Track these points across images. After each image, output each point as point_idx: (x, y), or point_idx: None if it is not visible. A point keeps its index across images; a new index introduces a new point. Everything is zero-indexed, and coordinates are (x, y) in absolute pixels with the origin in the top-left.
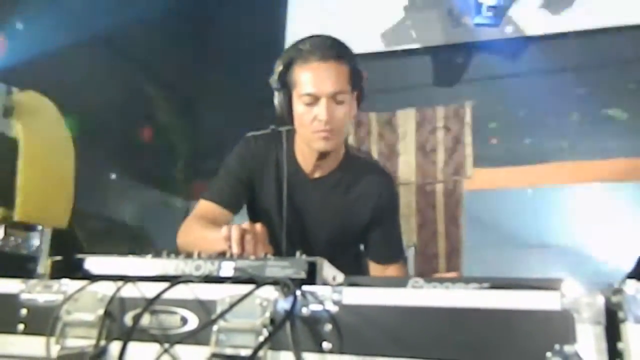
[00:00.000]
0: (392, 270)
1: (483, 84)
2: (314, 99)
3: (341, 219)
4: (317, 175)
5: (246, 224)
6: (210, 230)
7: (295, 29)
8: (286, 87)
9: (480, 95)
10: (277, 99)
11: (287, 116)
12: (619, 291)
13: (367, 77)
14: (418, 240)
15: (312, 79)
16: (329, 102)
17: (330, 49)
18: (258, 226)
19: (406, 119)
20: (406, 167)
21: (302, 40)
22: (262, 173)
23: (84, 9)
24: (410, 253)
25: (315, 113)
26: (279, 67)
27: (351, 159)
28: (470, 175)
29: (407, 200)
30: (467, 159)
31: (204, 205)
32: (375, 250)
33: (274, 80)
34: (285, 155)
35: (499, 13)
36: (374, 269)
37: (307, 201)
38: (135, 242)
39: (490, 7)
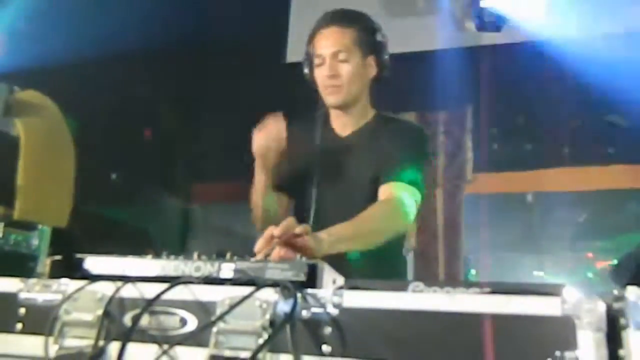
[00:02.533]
0: (385, 190)
1: (484, 88)
2: (322, 60)
3: (370, 166)
4: (348, 132)
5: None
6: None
7: (297, 33)
8: (309, 58)
9: (481, 100)
10: (306, 70)
11: (312, 84)
12: (620, 298)
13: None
14: (418, 244)
15: (318, 42)
16: (331, 60)
17: (335, 15)
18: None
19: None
20: None
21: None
22: (300, 145)
23: (86, 10)
24: (409, 257)
25: (322, 72)
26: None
27: (382, 117)
28: (470, 179)
29: None
30: (467, 163)
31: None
32: (382, 173)
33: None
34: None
35: (501, 17)
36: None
37: (340, 155)
38: (134, 242)
39: (492, 12)
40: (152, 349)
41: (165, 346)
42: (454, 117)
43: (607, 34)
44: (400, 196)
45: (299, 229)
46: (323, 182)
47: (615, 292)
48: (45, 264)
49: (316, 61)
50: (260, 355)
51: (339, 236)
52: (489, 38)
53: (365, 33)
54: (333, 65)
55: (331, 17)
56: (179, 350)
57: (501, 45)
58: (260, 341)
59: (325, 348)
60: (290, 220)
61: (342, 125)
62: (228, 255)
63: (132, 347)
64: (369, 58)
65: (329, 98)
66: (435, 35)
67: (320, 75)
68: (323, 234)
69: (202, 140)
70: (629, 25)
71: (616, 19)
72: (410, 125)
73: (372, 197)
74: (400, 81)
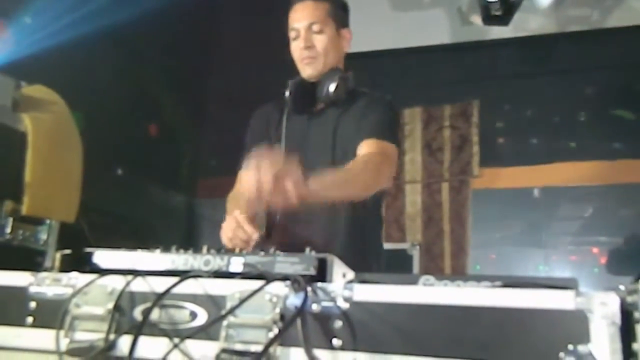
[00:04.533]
0: (364, 146)
1: (490, 83)
2: (297, 33)
3: (340, 135)
4: (320, 107)
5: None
6: (231, 206)
7: None
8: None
9: (487, 94)
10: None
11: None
12: (634, 291)
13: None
14: (424, 239)
15: (292, 17)
16: (306, 31)
17: None
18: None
19: (412, 117)
20: (412, 166)
21: None
22: (270, 128)
23: (92, 4)
24: (415, 252)
25: (298, 44)
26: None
27: (354, 92)
28: (476, 174)
29: (412, 199)
30: (473, 157)
31: (238, 178)
32: (358, 133)
33: None
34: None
35: (508, 12)
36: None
37: (311, 129)
38: (140, 237)
39: (499, 6)
40: (163, 342)
41: (176, 340)
42: (460, 112)
43: (613, 29)
44: (379, 152)
45: (290, 180)
46: (305, 150)
47: (624, 286)
48: (54, 258)
49: (292, 35)
50: (271, 349)
51: (325, 184)
52: (496, 32)
53: (338, 6)
54: (308, 37)
55: None
56: (190, 344)
57: (507, 39)
58: (271, 335)
59: (336, 342)
60: (280, 165)
61: (310, 96)
62: (237, 249)
63: (142, 340)
64: (343, 30)
65: (306, 69)
66: (441, 29)
67: (297, 48)
68: (312, 182)
69: (208, 135)
70: (635, 19)
71: (621, 13)
72: (381, 95)
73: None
74: (406, 75)
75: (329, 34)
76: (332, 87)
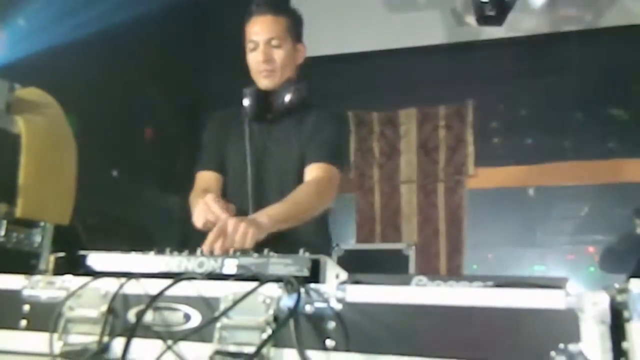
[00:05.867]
0: (313, 170)
1: (485, 83)
2: (255, 45)
3: (291, 148)
4: (275, 116)
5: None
6: (194, 201)
7: None
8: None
9: (482, 94)
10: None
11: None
12: (624, 290)
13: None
14: (419, 239)
15: (253, 28)
16: (265, 46)
17: (268, 5)
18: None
19: (408, 118)
20: (407, 166)
21: (250, 5)
22: (229, 133)
23: (86, 6)
24: (411, 252)
25: (256, 57)
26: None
27: (306, 102)
28: (471, 174)
29: (408, 199)
30: (468, 157)
31: (197, 178)
32: (307, 154)
33: None
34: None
35: (502, 12)
36: (305, 174)
37: (269, 137)
38: (135, 239)
39: (493, 7)
40: (157, 344)
41: (170, 342)
42: (454, 112)
43: (607, 28)
44: (325, 177)
45: (231, 225)
46: (257, 161)
47: (618, 284)
48: (48, 261)
49: (250, 46)
50: (264, 350)
51: (277, 218)
52: (490, 32)
53: (295, 22)
54: (267, 51)
55: (263, 5)
56: (183, 346)
57: (502, 40)
58: (264, 336)
59: (329, 342)
60: (224, 221)
61: (267, 106)
62: (231, 251)
63: (136, 343)
64: (299, 45)
65: (264, 81)
66: (436, 30)
67: (255, 60)
68: (263, 218)
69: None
70: (629, 19)
71: (618, 12)
72: (330, 110)
73: (300, 176)
74: (401, 75)
75: (286, 49)
76: (287, 98)
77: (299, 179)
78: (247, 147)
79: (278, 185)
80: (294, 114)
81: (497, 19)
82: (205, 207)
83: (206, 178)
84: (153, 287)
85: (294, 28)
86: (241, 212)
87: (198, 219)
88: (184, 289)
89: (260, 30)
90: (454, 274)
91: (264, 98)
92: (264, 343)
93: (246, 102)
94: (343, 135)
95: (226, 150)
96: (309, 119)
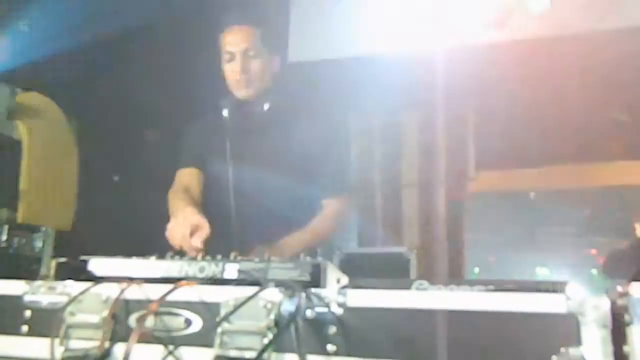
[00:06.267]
0: (330, 204)
1: (486, 86)
2: (232, 56)
3: (277, 156)
4: (254, 126)
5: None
6: (174, 200)
7: (298, 30)
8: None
9: (483, 98)
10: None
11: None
12: (624, 294)
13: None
14: (421, 243)
15: (228, 39)
16: (242, 56)
17: (243, 15)
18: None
19: (409, 121)
20: (409, 169)
21: (225, 15)
22: (210, 141)
23: (86, 11)
24: (412, 256)
25: (233, 67)
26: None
27: (289, 112)
28: (473, 177)
29: (410, 203)
30: (470, 161)
31: (178, 175)
32: (320, 186)
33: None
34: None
35: (504, 15)
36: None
37: (245, 150)
38: (137, 245)
39: (495, 9)
40: (158, 349)
41: (171, 347)
42: (456, 115)
43: (609, 30)
44: (341, 208)
45: None
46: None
47: (620, 288)
48: (49, 266)
49: (226, 57)
50: (265, 355)
51: (297, 247)
52: (492, 35)
53: (270, 32)
54: (244, 61)
55: (239, 16)
56: (184, 351)
57: (503, 42)
58: (265, 341)
59: (330, 347)
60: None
61: (247, 115)
62: (232, 256)
63: (137, 348)
64: (273, 55)
65: (240, 91)
66: (437, 33)
67: (231, 71)
68: (286, 247)
69: None
70: (634, 21)
71: (620, 14)
72: (327, 120)
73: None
74: (402, 78)
75: (263, 59)
76: (265, 107)
77: (284, 188)
78: (227, 156)
79: (258, 192)
80: (278, 122)
81: (500, 22)
82: (182, 230)
83: (187, 175)
84: (154, 292)
85: (270, 38)
86: (220, 217)
87: (174, 237)
88: (184, 294)
89: (237, 40)
90: (456, 277)
91: (240, 108)
92: (265, 348)
93: (225, 112)
94: (346, 151)
95: (207, 155)
96: (304, 128)
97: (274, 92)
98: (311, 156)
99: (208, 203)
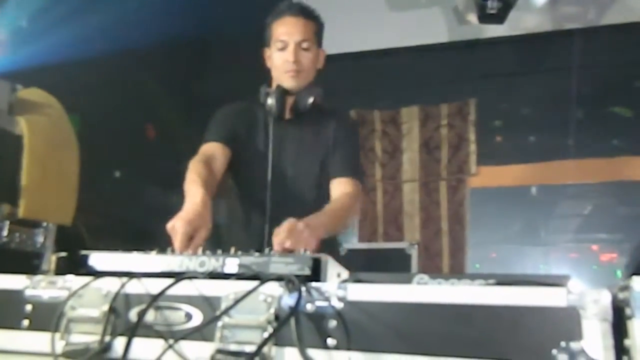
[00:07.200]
0: (342, 184)
1: (487, 81)
2: (285, 45)
3: (308, 149)
4: (288, 117)
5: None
6: (191, 185)
7: None
8: (267, 43)
9: (484, 93)
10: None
11: (267, 64)
12: (625, 288)
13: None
14: (422, 238)
15: (284, 29)
16: (296, 47)
17: (299, 7)
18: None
19: (410, 116)
20: (410, 164)
21: (279, 5)
22: (244, 125)
23: (87, 7)
24: (414, 251)
25: (285, 56)
26: (265, 29)
27: (321, 107)
28: (474, 172)
29: (410, 198)
30: (471, 156)
31: (203, 148)
32: (333, 167)
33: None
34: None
35: (503, 10)
36: (332, 187)
37: (283, 139)
38: (138, 239)
39: (495, 4)
40: (158, 343)
41: (171, 341)
42: (457, 110)
43: (609, 25)
44: (352, 192)
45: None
46: (275, 158)
47: (621, 282)
48: (50, 261)
49: (278, 45)
50: (265, 349)
51: (326, 229)
52: (492, 30)
53: (321, 28)
54: (298, 53)
55: (296, 8)
56: (185, 345)
57: (504, 38)
58: (265, 335)
59: (330, 341)
60: (293, 222)
61: (291, 106)
62: (232, 250)
63: (137, 342)
64: (321, 50)
65: (290, 81)
66: (438, 28)
67: (282, 59)
68: (312, 225)
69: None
70: (632, 16)
71: (620, 9)
72: (347, 119)
73: (315, 177)
74: (404, 74)
75: (313, 52)
76: (311, 100)
77: (314, 180)
78: (270, 142)
79: (293, 183)
80: (311, 116)
81: (499, 17)
82: (182, 230)
83: (212, 147)
84: (154, 286)
85: (320, 33)
86: (253, 202)
87: (173, 236)
88: (185, 288)
89: (291, 31)
90: (457, 272)
91: (285, 99)
92: (265, 342)
93: (270, 100)
94: (359, 142)
95: (240, 139)
96: (329, 125)
97: (316, 87)
98: (333, 150)
99: (237, 185)
